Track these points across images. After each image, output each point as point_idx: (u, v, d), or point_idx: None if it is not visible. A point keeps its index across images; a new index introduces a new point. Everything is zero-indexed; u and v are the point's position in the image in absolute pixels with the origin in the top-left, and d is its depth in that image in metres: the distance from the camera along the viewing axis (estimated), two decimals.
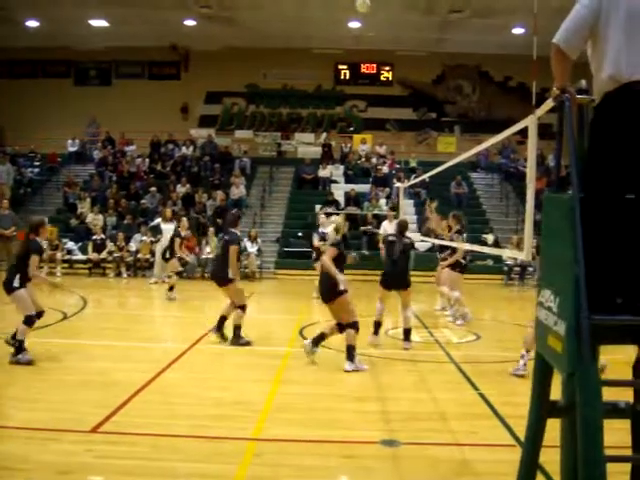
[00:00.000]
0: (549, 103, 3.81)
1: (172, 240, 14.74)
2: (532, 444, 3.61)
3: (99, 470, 4.60)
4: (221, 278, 9.20)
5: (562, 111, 3.40)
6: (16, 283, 7.70)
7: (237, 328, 9.12)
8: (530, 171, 4.81)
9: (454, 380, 7.33)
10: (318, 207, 21.35)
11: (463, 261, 11.81)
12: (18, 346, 7.58)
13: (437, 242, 17.92)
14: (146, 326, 11.00)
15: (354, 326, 7.79)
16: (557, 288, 3.22)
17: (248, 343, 9.06)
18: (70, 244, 19.75)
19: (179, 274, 14.99)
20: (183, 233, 15.20)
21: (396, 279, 9.23)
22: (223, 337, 9.18)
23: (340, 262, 8.02)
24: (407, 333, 9.18)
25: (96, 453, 4.82)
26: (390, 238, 9.48)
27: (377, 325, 9.38)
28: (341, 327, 7.93)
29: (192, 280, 18.13)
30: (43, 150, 25.82)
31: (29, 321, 7.68)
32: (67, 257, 19.34)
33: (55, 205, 23.24)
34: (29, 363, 7.52)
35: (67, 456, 4.76)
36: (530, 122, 4.72)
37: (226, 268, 9.04)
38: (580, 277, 2.94)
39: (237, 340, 9.05)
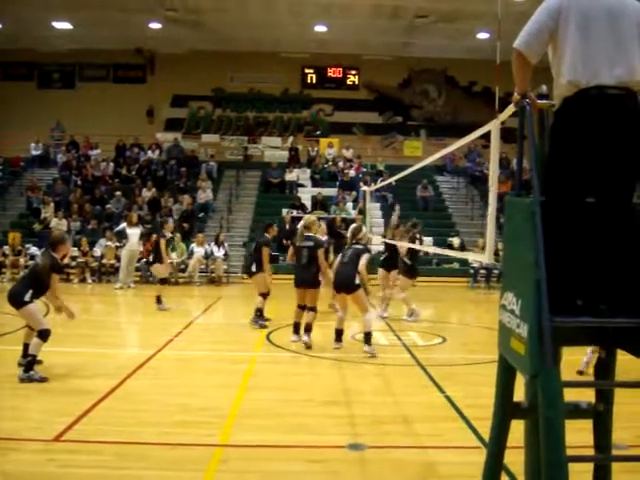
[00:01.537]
0: (511, 108, 3.85)
1: (157, 243, 13.72)
2: (496, 445, 3.64)
3: None
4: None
5: (523, 116, 3.44)
6: (27, 298, 7.40)
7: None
8: (492, 175, 4.86)
9: (420, 383, 7.37)
10: (285, 211, 21.34)
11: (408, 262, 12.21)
12: (31, 361, 7.19)
13: (400, 244, 18.07)
14: (111, 332, 10.87)
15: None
16: (519, 291, 3.25)
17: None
18: (33, 249, 19.38)
19: (163, 281, 13.70)
20: (168, 234, 14.18)
21: (344, 282, 9.21)
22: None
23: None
24: (367, 336, 9.03)
25: (59, 462, 4.73)
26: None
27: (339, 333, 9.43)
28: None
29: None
30: (6, 154, 25.37)
31: (44, 335, 7.33)
32: (30, 262, 19.00)
33: (18, 210, 22.86)
34: (42, 380, 7.10)
35: (29, 466, 4.67)
36: (493, 126, 4.77)
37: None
38: (541, 280, 2.98)
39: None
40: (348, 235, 10.15)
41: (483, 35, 23.51)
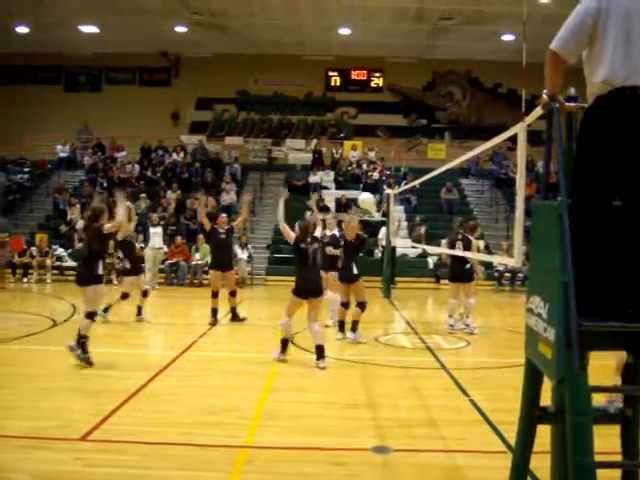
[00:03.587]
0: (538, 110, 3.83)
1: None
2: (522, 450, 3.62)
3: (89, 479, 4.56)
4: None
5: (551, 118, 3.42)
6: (99, 271, 8.03)
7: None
8: (519, 178, 4.83)
9: (445, 386, 7.33)
10: (308, 214, 21.35)
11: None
12: (84, 341, 7.79)
13: (426, 248, 18.02)
14: (136, 333, 10.96)
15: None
16: (546, 295, 3.23)
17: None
18: (60, 250, 19.66)
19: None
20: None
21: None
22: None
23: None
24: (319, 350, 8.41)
25: (85, 462, 4.78)
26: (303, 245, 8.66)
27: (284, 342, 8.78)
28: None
29: (182, 287, 18.09)
30: (33, 156, 25.71)
31: (93, 316, 7.95)
32: (57, 264, 19.25)
33: (45, 211, 23.14)
34: (89, 363, 7.75)
35: (56, 465, 4.73)
36: (519, 129, 4.74)
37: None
38: (569, 284, 2.96)
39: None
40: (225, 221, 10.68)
41: (508, 37, 23.37)
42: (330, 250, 11.07)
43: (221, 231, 11.78)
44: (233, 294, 11.72)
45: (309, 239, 8.57)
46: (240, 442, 5.32)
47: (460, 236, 11.30)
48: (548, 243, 3.23)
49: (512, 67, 21.14)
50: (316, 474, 4.74)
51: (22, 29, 24.71)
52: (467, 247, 11.02)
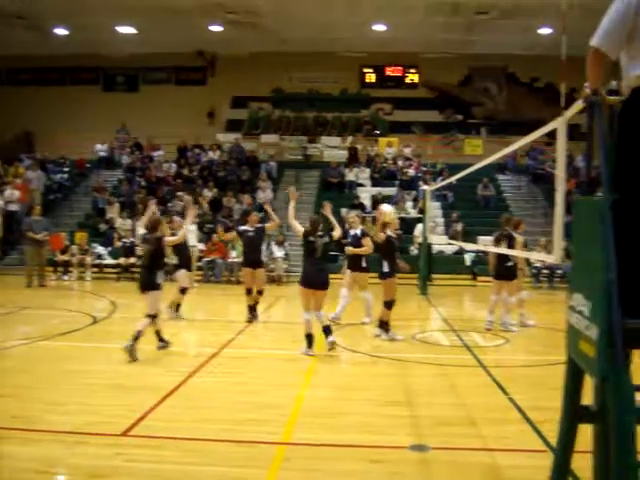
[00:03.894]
0: (579, 104, 3.77)
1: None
2: (563, 450, 3.57)
3: (129, 474, 4.63)
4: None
5: (592, 113, 3.36)
6: (159, 280, 8.64)
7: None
8: (559, 173, 4.76)
9: (483, 384, 7.27)
10: (344, 211, 21.35)
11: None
12: (138, 336, 8.35)
13: (462, 244, 17.88)
14: (174, 330, 11.05)
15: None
16: (589, 292, 3.19)
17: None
18: (99, 249, 19.97)
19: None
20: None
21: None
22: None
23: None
24: (326, 331, 8.76)
25: (126, 457, 4.86)
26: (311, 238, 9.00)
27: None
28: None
29: (219, 284, 18.23)
30: (72, 156, 26.14)
31: (152, 318, 8.69)
32: (97, 262, 19.55)
33: (84, 210, 23.51)
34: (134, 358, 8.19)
35: (98, 459, 4.81)
36: (559, 124, 4.67)
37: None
38: (612, 281, 2.91)
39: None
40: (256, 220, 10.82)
41: (545, 30, 23.05)
42: (349, 250, 11.19)
43: (250, 229, 11.82)
44: (260, 292, 11.79)
45: (318, 233, 8.94)
46: (278, 439, 5.34)
47: (505, 233, 11.16)
48: (591, 240, 3.18)
49: (549, 61, 20.84)
50: (354, 472, 4.74)
51: (61, 31, 25.14)
52: (510, 244, 10.87)
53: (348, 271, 11.55)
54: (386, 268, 9.94)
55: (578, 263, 3.50)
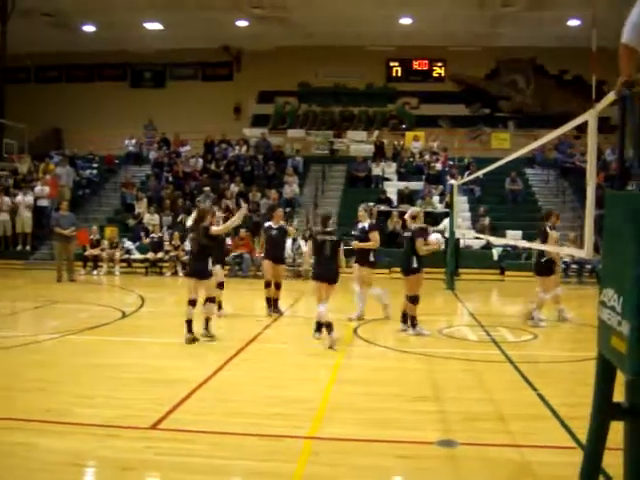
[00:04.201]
0: (610, 97, 3.72)
1: None
2: (594, 447, 3.54)
3: (159, 467, 4.68)
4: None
5: (624, 105, 3.32)
6: (210, 268, 9.36)
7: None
8: (590, 167, 4.70)
9: (511, 380, 7.22)
10: (371, 204, 21.27)
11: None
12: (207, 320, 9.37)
13: (490, 239, 17.74)
14: (202, 324, 11.14)
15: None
16: (620, 287, 3.15)
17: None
18: (128, 243, 20.17)
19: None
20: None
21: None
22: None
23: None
24: (328, 327, 8.94)
25: (156, 450, 4.89)
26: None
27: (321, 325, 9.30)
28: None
29: (247, 279, 18.29)
30: (100, 152, 26.40)
31: (213, 300, 9.59)
32: (125, 256, 19.74)
33: (113, 206, 23.77)
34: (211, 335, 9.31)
35: (127, 453, 4.85)
36: (590, 116, 4.61)
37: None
38: None
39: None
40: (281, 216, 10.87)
41: (574, 22, 22.78)
42: (355, 244, 10.98)
43: (274, 227, 11.76)
44: (278, 287, 11.75)
45: (327, 230, 9.37)
46: (305, 433, 5.35)
47: (542, 228, 11.06)
48: (623, 235, 3.14)
49: (578, 53, 20.66)
50: (382, 467, 4.74)
51: (89, 28, 25.40)
52: (544, 239, 10.76)
53: (356, 265, 11.26)
54: (415, 264, 9.93)
55: (609, 258, 3.46)
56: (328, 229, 9.35)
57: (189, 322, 9.07)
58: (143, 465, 4.67)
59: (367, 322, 10.84)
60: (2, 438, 5.09)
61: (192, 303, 9.16)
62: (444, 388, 6.90)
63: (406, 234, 10.30)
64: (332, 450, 5.02)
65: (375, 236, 10.84)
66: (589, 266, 17.83)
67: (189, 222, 9.61)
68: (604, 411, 3.45)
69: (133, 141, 26.81)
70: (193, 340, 9.02)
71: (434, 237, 10.61)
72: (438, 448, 5.03)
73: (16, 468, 4.53)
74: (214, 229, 9.40)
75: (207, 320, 9.40)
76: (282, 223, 12.02)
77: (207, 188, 22.48)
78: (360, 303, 11.17)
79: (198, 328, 9.26)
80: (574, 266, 18.32)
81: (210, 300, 9.42)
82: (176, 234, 19.53)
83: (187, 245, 19.37)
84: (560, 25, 23.16)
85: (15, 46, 24.17)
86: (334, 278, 9.18)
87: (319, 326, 9.35)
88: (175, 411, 5.84)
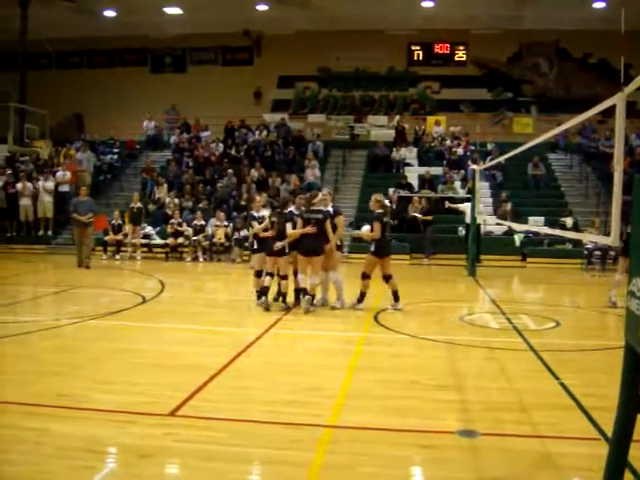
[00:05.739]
0: (639, 80, 3.60)
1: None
2: (620, 439, 3.45)
3: (178, 454, 4.65)
4: None
5: None
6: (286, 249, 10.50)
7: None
8: (618, 152, 4.57)
9: (534, 369, 7.12)
10: (391, 190, 21.17)
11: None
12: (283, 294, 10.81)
13: (513, 225, 17.56)
14: (222, 310, 11.14)
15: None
16: None
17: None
18: (149, 229, 20.22)
19: None
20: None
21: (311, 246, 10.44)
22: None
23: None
24: (304, 293, 10.54)
25: (175, 437, 4.87)
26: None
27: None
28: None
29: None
30: (121, 137, 26.47)
31: (285, 278, 10.70)
32: (145, 242, 19.81)
33: (134, 191, 23.78)
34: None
35: (146, 439, 4.83)
36: (618, 100, 4.48)
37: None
38: None
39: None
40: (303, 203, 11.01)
41: (599, 4, 22.38)
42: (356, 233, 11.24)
43: (296, 214, 11.00)
44: (284, 277, 11.47)
45: (313, 209, 10.61)
46: (325, 421, 5.31)
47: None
48: None
49: (603, 36, 20.27)
50: (401, 456, 4.68)
51: (109, 13, 25.40)
52: None
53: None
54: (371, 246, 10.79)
55: (638, 245, 3.36)
56: (313, 208, 10.58)
57: (283, 294, 10.72)
58: (161, 452, 4.65)
59: (387, 309, 10.76)
60: (19, 423, 5.09)
61: (270, 275, 10.61)
62: (465, 376, 6.82)
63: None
64: (351, 439, 4.97)
65: (375, 227, 10.70)
66: (613, 253, 17.59)
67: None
68: (631, 404, 3.36)
69: (152, 123, 26.83)
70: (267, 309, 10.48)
71: (365, 228, 11.25)
72: (459, 438, 4.96)
73: (30, 453, 4.52)
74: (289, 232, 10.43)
75: (284, 295, 10.72)
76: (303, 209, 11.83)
77: (230, 170, 22.46)
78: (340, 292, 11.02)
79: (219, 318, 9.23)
80: (597, 252, 18.08)
81: (283, 277, 10.62)
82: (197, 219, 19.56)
83: (208, 230, 19.43)
84: (585, 7, 22.80)
85: (36, 32, 24.26)
86: (316, 252, 10.36)
87: (297, 295, 10.83)
88: (194, 398, 5.82)
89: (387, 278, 10.73)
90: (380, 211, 10.82)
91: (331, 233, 10.46)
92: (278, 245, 10.43)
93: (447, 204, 20.01)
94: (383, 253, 10.74)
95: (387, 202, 11.94)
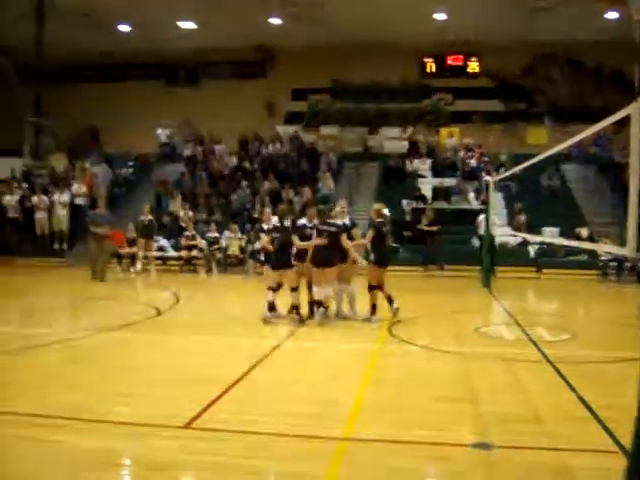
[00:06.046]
0: None
1: None
2: (639, 453, 3.41)
3: (192, 467, 4.65)
4: None
5: None
6: (293, 261, 10.61)
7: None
8: (634, 162, 4.55)
9: (550, 380, 7.06)
10: (405, 202, 21.15)
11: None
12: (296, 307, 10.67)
13: (527, 237, 17.49)
14: (236, 322, 11.14)
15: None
16: None
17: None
18: (163, 241, 20.30)
19: None
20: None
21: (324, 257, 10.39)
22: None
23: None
24: (319, 305, 10.54)
25: (189, 449, 4.87)
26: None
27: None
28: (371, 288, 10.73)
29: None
30: (135, 150, 26.63)
31: (295, 289, 10.61)
32: (160, 254, 19.88)
33: (148, 203, 23.89)
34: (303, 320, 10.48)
35: (160, 452, 4.83)
36: (633, 110, 4.46)
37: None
38: None
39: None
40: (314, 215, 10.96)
41: (612, 15, 22.31)
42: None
43: (309, 226, 10.91)
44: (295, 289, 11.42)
45: (326, 221, 10.53)
46: (339, 434, 5.28)
47: None
48: None
49: (617, 46, 20.26)
50: (416, 469, 4.65)
51: (123, 27, 25.62)
52: None
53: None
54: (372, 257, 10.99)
55: None
56: (328, 221, 10.51)
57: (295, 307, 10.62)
58: (176, 465, 4.65)
59: (401, 321, 10.73)
60: (33, 435, 5.11)
61: (273, 289, 10.65)
62: (480, 388, 6.77)
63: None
64: (366, 451, 4.94)
65: (368, 233, 10.88)
66: (628, 264, 17.45)
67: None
68: None
69: (167, 132, 26.98)
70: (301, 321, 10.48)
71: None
72: (474, 451, 4.92)
73: (45, 465, 4.53)
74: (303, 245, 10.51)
75: (297, 307, 10.59)
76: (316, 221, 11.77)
77: (245, 182, 22.52)
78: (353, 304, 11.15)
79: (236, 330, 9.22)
80: (613, 263, 17.95)
81: (293, 290, 10.55)
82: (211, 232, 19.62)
83: (222, 243, 19.48)
84: (597, 18, 22.70)
85: (52, 46, 24.49)
86: (330, 263, 10.31)
87: (302, 307, 10.67)
88: (208, 410, 5.81)
89: (374, 288, 10.73)
90: (380, 220, 10.88)
91: (349, 245, 10.44)
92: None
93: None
94: (384, 263, 10.80)
95: (387, 211, 12.05)
